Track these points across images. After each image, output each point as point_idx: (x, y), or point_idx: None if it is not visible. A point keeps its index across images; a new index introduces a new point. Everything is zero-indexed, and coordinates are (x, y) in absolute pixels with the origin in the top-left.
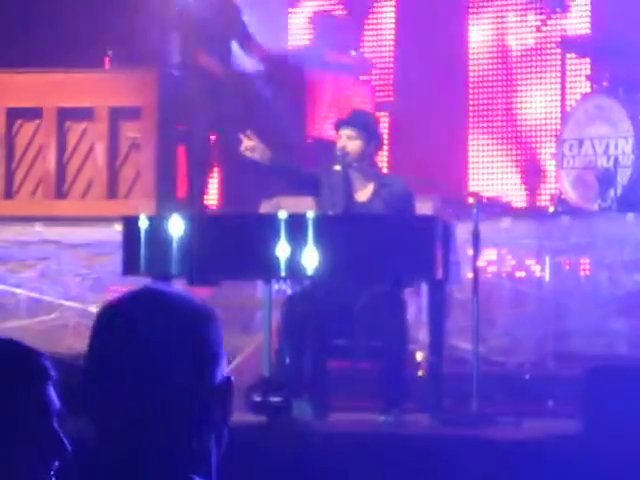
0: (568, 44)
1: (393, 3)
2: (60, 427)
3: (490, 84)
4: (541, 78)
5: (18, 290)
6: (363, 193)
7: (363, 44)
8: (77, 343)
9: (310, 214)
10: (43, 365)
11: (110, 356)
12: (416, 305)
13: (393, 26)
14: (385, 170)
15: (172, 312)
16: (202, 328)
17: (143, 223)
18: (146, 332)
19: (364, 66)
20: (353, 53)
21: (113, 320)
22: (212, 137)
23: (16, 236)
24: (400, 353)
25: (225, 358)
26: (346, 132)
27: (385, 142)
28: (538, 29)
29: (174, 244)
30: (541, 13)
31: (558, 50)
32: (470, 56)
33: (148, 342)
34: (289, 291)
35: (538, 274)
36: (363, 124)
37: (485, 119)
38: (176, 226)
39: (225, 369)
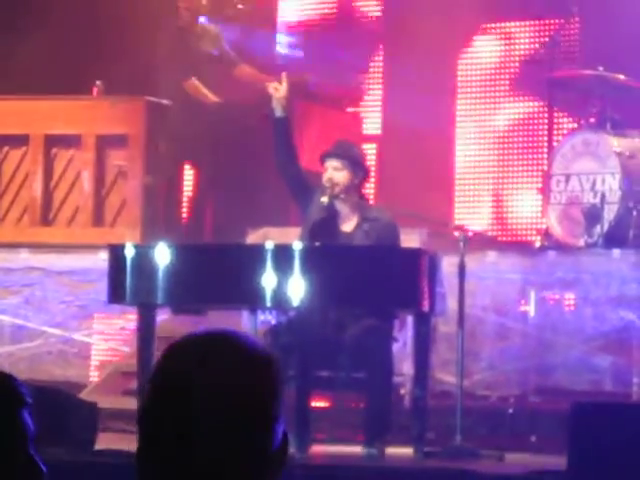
0: (556, 79)
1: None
2: (35, 452)
3: (478, 116)
4: (528, 112)
5: (2, 316)
6: (348, 224)
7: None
8: (60, 370)
9: (297, 245)
10: (19, 391)
11: (179, 414)
12: (401, 337)
13: (382, 58)
14: (372, 202)
15: (251, 365)
16: (274, 383)
17: (129, 251)
18: (210, 382)
19: (352, 97)
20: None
21: (178, 362)
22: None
23: (1, 262)
24: (384, 385)
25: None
26: (332, 164)
27: (372, 174)
28: (526, 64)
29: (160, 273)
30: (529, 48)
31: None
32: (459, 85)
33: (211, 392)
34: (274, 321)
35: (523, 308)
36: (348, 155)
37: (472, 151)
38: (162, 255)
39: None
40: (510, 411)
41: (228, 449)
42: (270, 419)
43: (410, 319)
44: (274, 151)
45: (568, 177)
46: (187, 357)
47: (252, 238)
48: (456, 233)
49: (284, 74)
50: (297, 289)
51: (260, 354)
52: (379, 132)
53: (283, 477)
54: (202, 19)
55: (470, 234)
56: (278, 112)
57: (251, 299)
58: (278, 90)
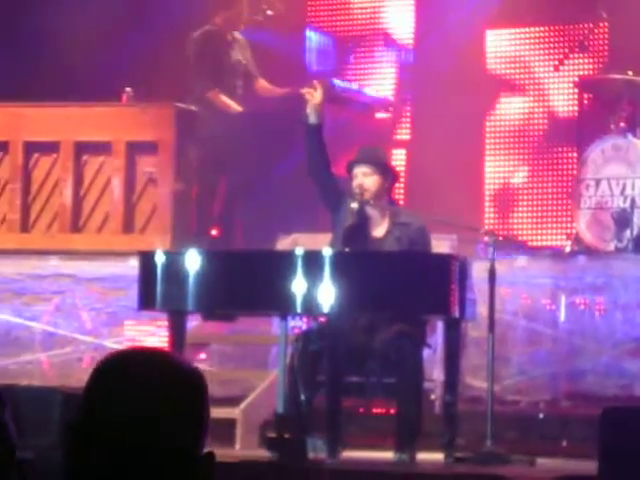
0: (585, 84)
1: (412, 37)
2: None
3: (507, 123)
4: (557, 116)
5: (33, 323)
6: (379, 229)
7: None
8: None
9: (327, 251)
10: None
11: (103, 413)
12: (431, 343)
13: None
14: (402, 205)
15: (166, 379)
16: (193, 397)
17: (159, 258)
18: (141, 395)
19: (381, 102)
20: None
21: (110, 377)
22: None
23: (32, 269)
24: (415, 391)
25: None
26: (361, 170)
27: (402, 179)
28: (555, 69)
29: (190, 279)
30: (559, 53)
31: (575, 90)
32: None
33: (143, 405)
34: (304, 327)
35: (553, 313)
36: (376, 159)
37: (502, 157)
38: (192, 261)
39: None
40: (541, 416)
41: (148, 460)
42: (193, 433)
43: (440, 325)
44: (307, 157)
45: (598, 182)
46: (115, 374)
47: (282, 244)
48: (486, 238)
49: (315, 81)
50: (327, 295)
51: (185, 372)
52: (409, 137)
53: None
54: (236, 33)
55: (500, 239)
56: (312, 119)
57: (282, 305)
58: (313, 96)
